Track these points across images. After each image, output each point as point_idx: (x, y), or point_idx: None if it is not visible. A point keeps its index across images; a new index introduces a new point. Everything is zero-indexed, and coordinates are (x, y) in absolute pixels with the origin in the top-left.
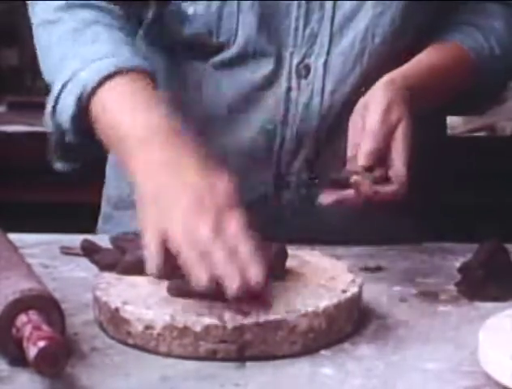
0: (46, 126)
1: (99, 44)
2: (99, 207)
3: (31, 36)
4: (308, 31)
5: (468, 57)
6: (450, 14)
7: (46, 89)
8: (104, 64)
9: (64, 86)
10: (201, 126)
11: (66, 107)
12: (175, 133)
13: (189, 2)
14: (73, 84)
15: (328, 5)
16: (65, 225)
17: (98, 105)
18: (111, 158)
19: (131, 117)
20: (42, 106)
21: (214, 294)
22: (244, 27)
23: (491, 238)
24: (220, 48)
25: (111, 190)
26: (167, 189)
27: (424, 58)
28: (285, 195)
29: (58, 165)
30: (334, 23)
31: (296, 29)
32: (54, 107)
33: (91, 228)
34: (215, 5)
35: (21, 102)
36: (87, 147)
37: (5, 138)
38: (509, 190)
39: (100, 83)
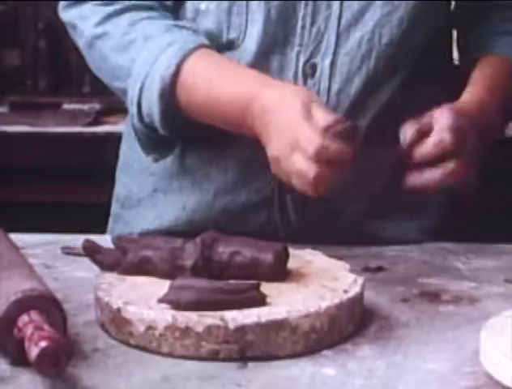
0: (133, 125)
1: (153, 39)
2: (100, 206)
3: (32, 37)
4: (314, 30)
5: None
6: (477, 23)
7: (47, 89)
8: (174, 50)
9: (145, 78)
10: (207, 125)
11: (152, 99)
12: (271, 82)
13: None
14: (153, 74)
15: (335, 4)
16: (66, 225)
17: (184, 86)
18: (121, 155)
19: (234, 81)
20: (43, 107)
21: (203, 304)
22: (252, 25)
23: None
24: (230, 45)
25: (119, 189)
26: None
27: (479, 82)
28: (290, 197)
29: (153, 158)
30: (342, 22)
31: (303, 28)
32: (139, 104)
33: (92, 228)
34: (225, 3)
35: (22, 102)
36: (177, 134)
37: (6, 138)
38: (510, 190)
39: (179, 65)
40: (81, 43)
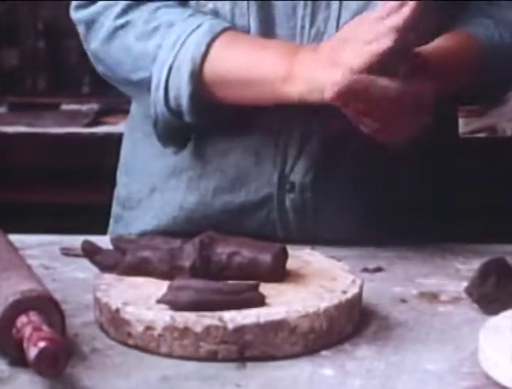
0: (155, 113)
1: (179, 24)
2: (99, 207)
3: (31, 37)
4: (314, 30)
5: (478, 44)
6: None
7: (46, 90)
8: (202, 31)
9: (174, 60)
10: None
11: (182, 80)
12: (307, 46)
13: (205, 1)
14: (183, 55)
15: (334, 4)
16: (65, 226)
17: (215, 62)
18: (122, 156)
19: (264, 52)
20: (42, 107)
21: (202, 304)
22: (254, 26)
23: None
24: None
25: (120, 189)
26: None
27: (433, 45)
28: (289, 197)
29: (171, 150)
30: (341, 22)
31: (303, 28)
32: (166, 87)
33: (91, 229)
34: (228, 4)
35: (22, 103)
36: (201, 117)
37: (5, 138)
38: (509, 190)
39: (210, 45)
40: (97, 39)
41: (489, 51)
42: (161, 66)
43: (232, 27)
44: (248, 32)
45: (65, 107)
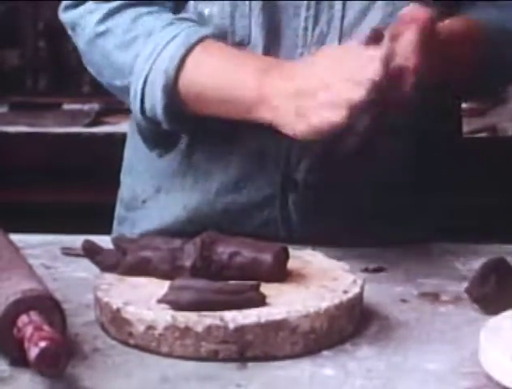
0: (136, 121)
1: (156, 34)
2: (100, 207)
3: (32, 37)
4: (317, 31)
5: (478, 29)
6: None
7: (47, 90)
8: (177, 43)
9: (149, 72)
10: (208, 120)
11: (155, 93)
12: (281, 64)
13: (204, 2)
14: (157, 68)
15: (338, 5)
16: (66, 226)
17: (189, 78)
18: (125, 157)
19: (237, 70)
20: (43, 107)
21: (203, 304)
22: (256, 29)
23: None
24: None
25: (123, 191)
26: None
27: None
28: (292, 196)
29: (157, 153)
30: (344, 23)
31: (306, 29)
32: (142, 100)
33: (92, 229)
34: (228, 6)
35: (22, 103)
36: (179, 128)
37: (6, 138)
38: (509, 190)
39: (183, 58)
40: (82, 42)
41: (492, 36)
42: (137, 77)
43: (209, 35)
44: (249, 34)
45: (66, 107)
